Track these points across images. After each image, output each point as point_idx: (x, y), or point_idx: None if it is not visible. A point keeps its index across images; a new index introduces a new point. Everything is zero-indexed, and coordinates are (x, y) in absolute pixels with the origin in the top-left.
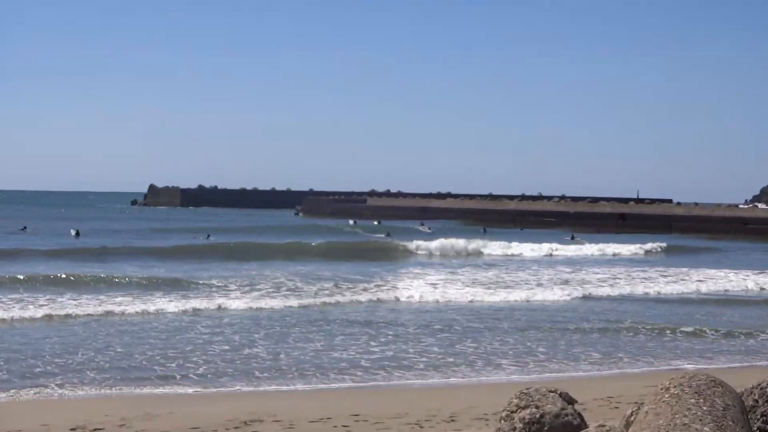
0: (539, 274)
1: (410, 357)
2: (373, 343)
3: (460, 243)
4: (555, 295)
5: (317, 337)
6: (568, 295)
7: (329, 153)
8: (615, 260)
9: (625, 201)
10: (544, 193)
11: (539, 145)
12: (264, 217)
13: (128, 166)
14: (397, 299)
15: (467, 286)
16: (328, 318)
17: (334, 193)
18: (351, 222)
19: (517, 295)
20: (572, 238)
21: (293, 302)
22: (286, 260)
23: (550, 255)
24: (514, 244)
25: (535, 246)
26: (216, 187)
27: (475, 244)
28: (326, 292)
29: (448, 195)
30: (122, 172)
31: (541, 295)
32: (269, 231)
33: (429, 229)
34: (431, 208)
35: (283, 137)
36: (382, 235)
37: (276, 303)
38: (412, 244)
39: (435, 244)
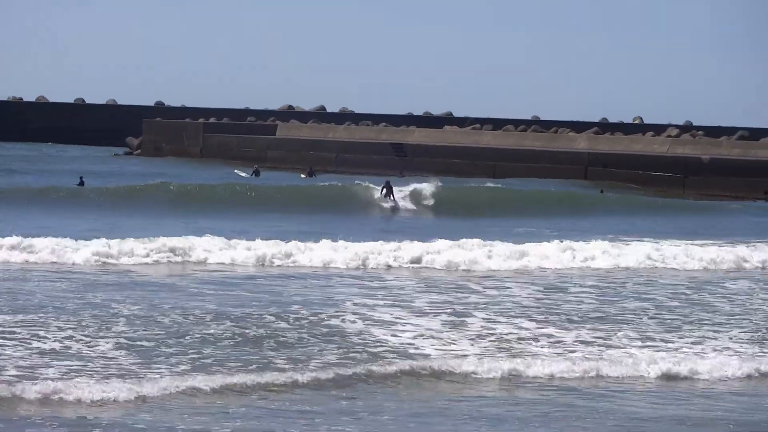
0: None
1: None
2: None
3: None
4: None
5: None
6: None
7: (194, 38)
8: None
9: None
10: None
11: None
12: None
13: None
14: None
15: None
16: None
17: (205, 112)
18: (243, 173)
19: None
20: None
21: None
22: None
23: None
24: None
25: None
26: None
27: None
28: None
29: (446, 118)
30: None
31: None
32: None
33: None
34: (410, 145)
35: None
36: None
37: None
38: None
39: None
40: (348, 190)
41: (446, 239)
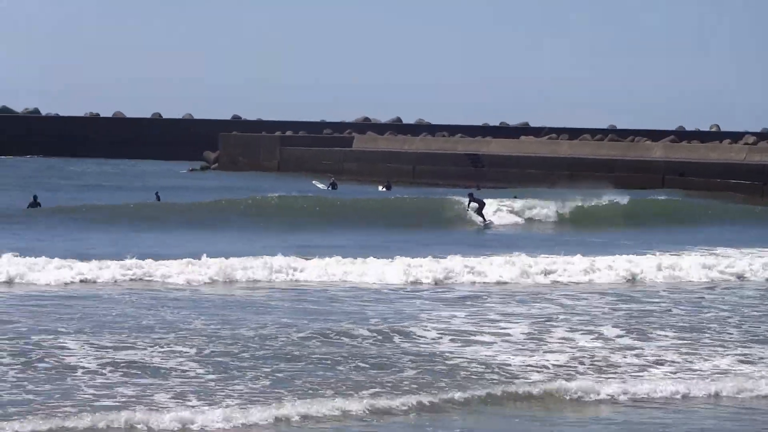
0: None
1: None
2: None
3: None
4: None
5: None
6: None
7: (269, 50)
8: None
9: None
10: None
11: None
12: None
13: None
14: None
15: None
16: None
17: (282, 125)
18: (320, 184)
19: None
20: None
21: None
22: None
23: None
24: None
25: None
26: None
27: None
28: None
29: (522, 128)
30: None
31: None
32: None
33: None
34: (487, 156)
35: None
36: None
37: None
38: None
39: None
40: (435, 203)
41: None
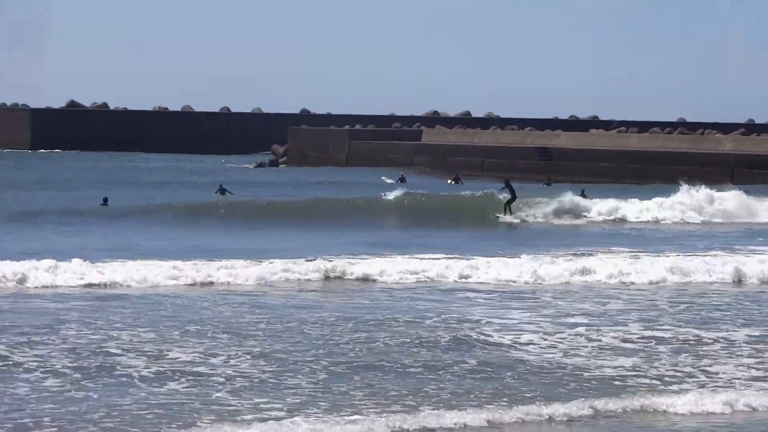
0: None
1: None
2: None
3: None
4: None
5: None
6: None
7: (334, 45)
8: None
9: None
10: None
11: None
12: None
13: None
14: None
15: None
16: None
17: (351, 119)
18: (389, 179)
19: None
20: None
21: None
22: None
23: None
24: None
25: None
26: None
27: None
28: None
29: (592, 121)
30: None
31: None
32: None
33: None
34: (555, 149)
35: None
36: None
37: None
38: None
39: None
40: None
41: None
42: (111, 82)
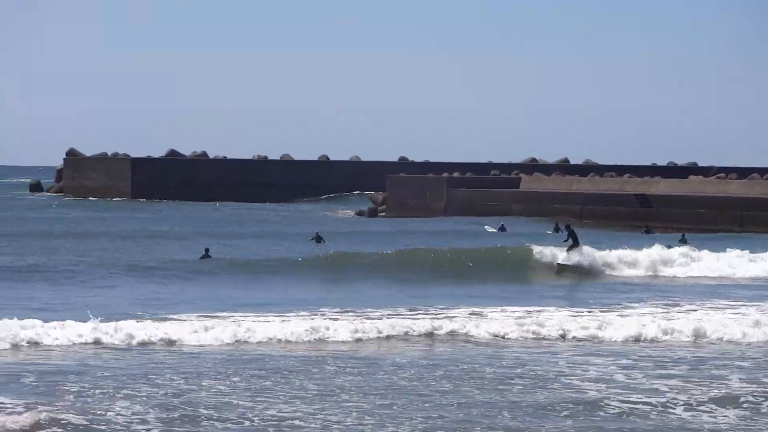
0: None
1: None
2: None
3: None
4: None
5: None
6: None
7: (437, 90)
8: None
9: None
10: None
11: None
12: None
13: None
14: None
15: None
16: None
17: (448, 166)
18: (491, 228)
19: None
20: None
21: None
22: None
23: None
24: None
25: None
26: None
27: None
28: None
29: (691, 168)
30: None
31: None
32: None
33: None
34: (654, 196)
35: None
36: None
37: None
38: None
39: None
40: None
41: None
42: (209, 131)
